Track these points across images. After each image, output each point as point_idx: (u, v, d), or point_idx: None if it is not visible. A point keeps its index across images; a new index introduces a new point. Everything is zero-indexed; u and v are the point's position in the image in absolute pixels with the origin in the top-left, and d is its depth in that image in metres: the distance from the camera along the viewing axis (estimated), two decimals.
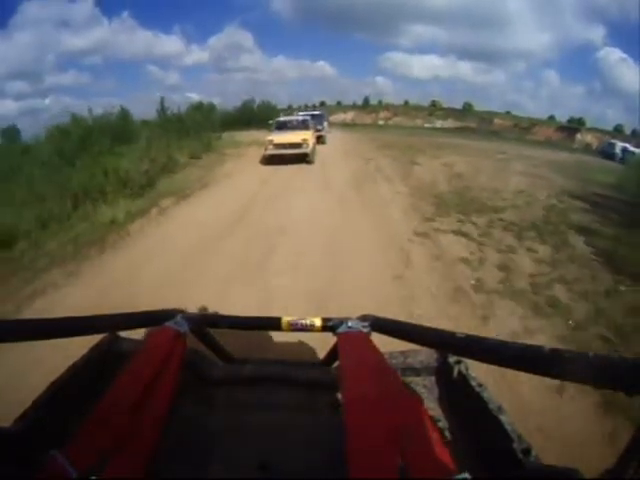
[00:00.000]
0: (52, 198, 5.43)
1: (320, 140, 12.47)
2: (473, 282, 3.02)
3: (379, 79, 39.73)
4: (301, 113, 15.21)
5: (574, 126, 36.65)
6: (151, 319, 0.67)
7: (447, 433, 0.57)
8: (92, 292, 3.04)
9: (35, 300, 2.98)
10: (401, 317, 1.29)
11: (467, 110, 42.37)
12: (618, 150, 18.85)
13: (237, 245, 3.92)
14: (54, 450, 0.38)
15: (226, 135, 15.53)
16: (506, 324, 2.44)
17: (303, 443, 0.58)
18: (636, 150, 17.29)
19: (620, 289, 3.03)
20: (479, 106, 34.92)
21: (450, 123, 41.94)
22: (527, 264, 3.44)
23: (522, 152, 14.02)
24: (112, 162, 6.50)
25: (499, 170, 8.70)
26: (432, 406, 0.63)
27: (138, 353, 0.57)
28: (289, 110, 23.89)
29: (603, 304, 2.74)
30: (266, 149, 9.44)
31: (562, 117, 37.88)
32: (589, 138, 34.08)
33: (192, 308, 2.12)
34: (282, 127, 10.69)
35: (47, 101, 30.74)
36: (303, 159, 9.06)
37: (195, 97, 29.61)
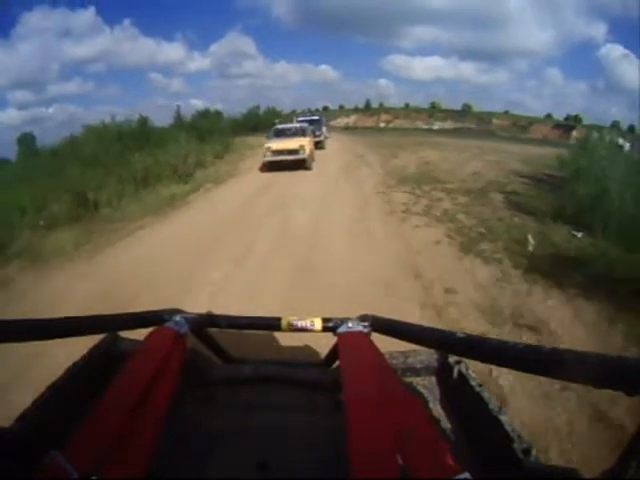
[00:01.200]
0: (122, 180, 7.87)
1: (319, 145, 13.24)
2: (403, 210, 5.38)
3: (382, 81, 41.01)
4: (300, 118, 15.89)
5: (570, 124, 38.62)
6: (151, 319, 0.68)
7: (447, 433, 0.59)
8: (172, 228, 5.43)
9: (134, 233, 5.32)
10: (360, 223, 3.62)
11: (466, 111, 44.51)
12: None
13: (265, 202, 6.38)
14: (54, 450, 0.39)
15: (237, 139, 17.89)
16: (414, 223, 4.77)
17: (303, 443, 0.59)
18: (625, 144, 19.02)
19: (507, 216, 5.19)
20: (482, 106, 36.18)
21: (450, 124, 43.75)
22: (446, 205, 5.73)
23: (501, 147, 16.09)
24: (163, 156, 8.96)
25: (466, 160, 10.96)
26: (432, 406, 0.65)
27: (138, 353, 0.59)
28: (293, 115, 25.25)
29: (491, 223, 4.90)
30: (264, 156, 10.13)
31: (565, 115, 39.09)
32: (584, 135, 35.85)
33: (239, 233, 4.29)
34: (280, 134, 11.26)
35: (51, 110, 31.43)
36: (301, 165, 9.71)
37: (199, 103, 31.14)
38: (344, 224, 4.75)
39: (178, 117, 19.95)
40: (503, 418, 0.55)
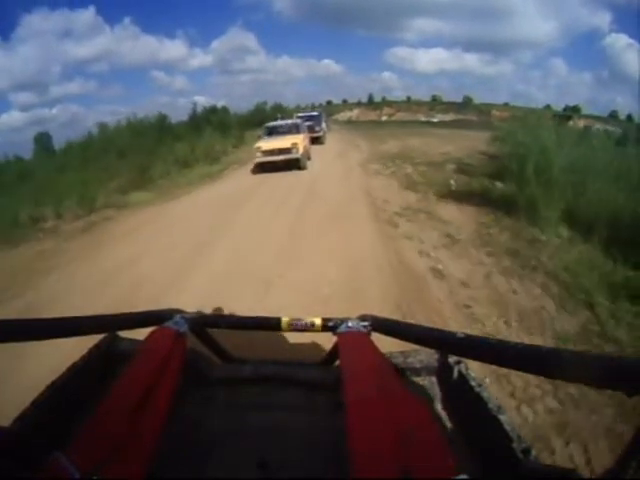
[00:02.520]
0: (167, 162, 10.53)
1: (318, 140, 13.68)
2: (374, 173, 8.02)
3: (386, 75, 41.20)
4: (300, 114, 15.99)
5: (567, 114, 40.48)
6: (151, 319, 0.70)
7: (447, 433, 0.60)
8: (215, 190, 8.06)
9: (187, 194, 7.96)
10: (344, 178, 6.87)
11: (467, 103, 46.46)
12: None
13: (280, 172, 8.99)
14: (56, 450, 0.40)
15: (247, 133, 20.31)
16: (379, 178, 7.36)
17: (303, 443, 0.61)
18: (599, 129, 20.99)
19: (449, 176, 7.60)
20: (487, 98, 36.45)
21: (451, 116, 45.59)
22: (407, 171, 8.23)
23: (486, 136, 18.35)
24: (198, 144, 11.65)
25: (444, 144, 13.36)
26: (432, 406, 0.67)
27: (138, 353, 0.61)
28: (297, 110, 25.50)
29: (434, 179, 7.31)
30: (255, 157, 9.79)
31: (564, 106, 39.97)
32: (581, 124, 37.74)
33: (265, 188, 7.15)
34: (272, 133, 10.91)
35: (54, 111, 32.11)
36: (295, 165, 9.33)
37: (202, 100, 31.28)
38: (334, 177, 7.75)
39: (194, 114, 22.61)
40: (503, 418, 0.56)
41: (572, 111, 40.30)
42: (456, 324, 2.47)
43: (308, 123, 13.13)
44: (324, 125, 15.96)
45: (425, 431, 0.45)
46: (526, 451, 0.51)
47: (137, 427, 0.47)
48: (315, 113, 16.88)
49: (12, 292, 3.73)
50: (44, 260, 4.74)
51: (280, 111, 25.01)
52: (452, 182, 6.61)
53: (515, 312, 2.67)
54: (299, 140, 9.74)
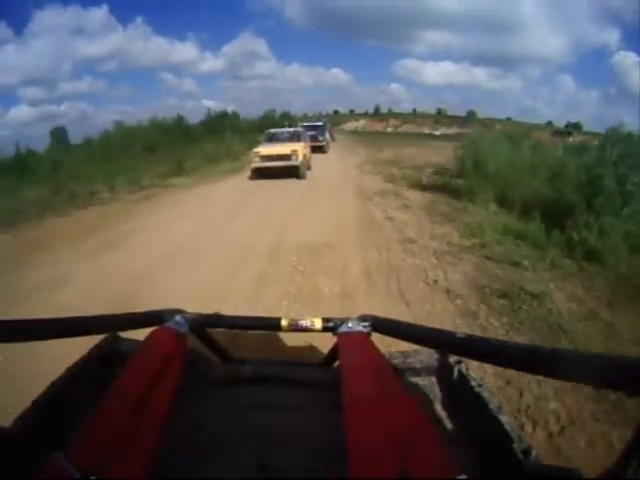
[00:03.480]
0: (195, 157, 12.84)
1: (321, 149, 14.46)
2: (366, 172, 10.35)
3: (393, 86, 40.71)
4: (305, 124, 16.57)
5: (568, 130, 42.70)
6: (151, 319, 0.71)
7: (447, 433, 0.61)
8: (239, 179, 10.33)
9: (218, 181, 10.28)
10: (342, 175, 9.56)
11: (470, 117, 48.74)
12: None
13: None
14: (56, 451, 0.41)
15: (258, 137, 22.67)
16: (369, 176, 9.67)
17: (303, 443, 0.62)
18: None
19: (425, 175, 9.80)
20: (493, 113, 35.72)
21: (454, 130, 47.63)
22: (392, 172, 10.47)
23: None
24: (220, 144, 14.01)
25: (433, 154, 15.58)
26: (432, 406, 0.68)
27: (138, 353, 0.62)
28: (305, 118, 26.99)
29: (411, 177, 9.52)
30: (252, 162, 9.95)
31: (566, 122, 40.81)
32: (580, 140, 39.74)
33: (280, 183, 9.50)
34: (272, 139, 11.17)
35: (63, 107, 32.50)
36: (293, 173, 9.40)
37: (211, 104, 32.01)
38: (334, 173, 10.21)
39: (209, 117, 25.01)
40: (503, 418, 0.57)
41: (574, 127, 42.48)
42: (393, 235, 4.73)
43: (312, 132, 14.04)
44: (327, 135, 16.85)
45: (425, 431, 0.46)
46: (526, 451, 0.51)
47: (137, 427, 0.48)
48: (319, 123, 17.80)
49: (113, 227, 5.89)
50: (118, 214, 6.86)
51: (288, 119, 26.44)
52: (424, 178, 8.82)
53: (427, 234, 4.85)
54: (299, 148, 9.78)
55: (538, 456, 0.51)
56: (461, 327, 2.66)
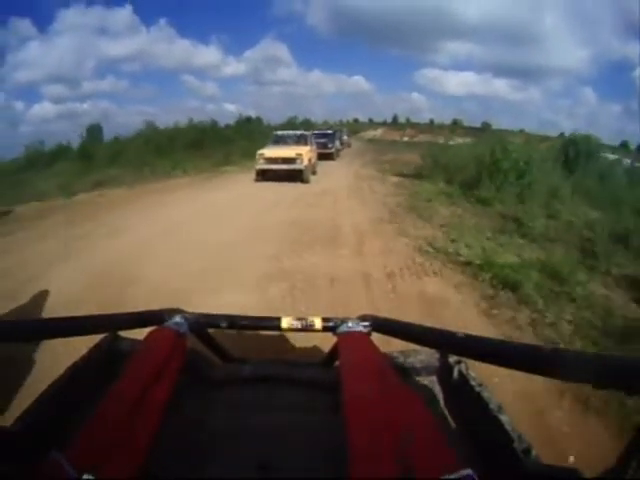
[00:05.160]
0: (233, 154, 17.06)
1: (330, 157, 15.93)
2: (365, 166, 14.53)
3: (414, 95, 41.16)
4: (316, 132, 17.23)
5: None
6: (151, 319, 0.73)
7: (447, 433, 0.61)
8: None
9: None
10: (346, 168, 14.66)
11: (485, 129, 51.65)
12: None
13: None
14: (54, 450, 0.42)
15: None
16: (366, 169, 13.85)
17: (303, 443, 0.64)
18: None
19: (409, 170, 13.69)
20: (511, 125, 35.16)
21: (468, 140, 50.41)
22: (386, 167, 14.48)
23: None
24: (253, 143, 18.21)
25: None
26: (432, 406, 0.70)
27: (138, 353, 0.64)
28: (324, 125, 28.79)
29: (400, 170, 13.48)
30: (257, 163, 10.23)
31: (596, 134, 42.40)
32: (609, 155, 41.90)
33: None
34: (278, 141, 11.50)
35: (85, 105, 32.76)
36: (298, 177, 9.76)
37: (232, 108, 33.23)
38: (341, 167, 14.51)
39: (240, 120, 28.91)
40: (503, 418, 0.59)
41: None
42: (369, 193, 8.90)
43: (321, 140, 15.77)
44: (337, 143, 18.43)
45: (425, 431, 0.47)
46: (527, 451, 0.53)
47: (136, 427, 0.49)
48: (330, 131, 19.19)
49: (198, 185, 10.04)
50: (198, 183, 11.06)
51: (309, 126, 27.95)
52: (404, 171, 12.74)
53: (389, 193, 9.01)
54: (304, 152, 10.09)
55: (538, 456, 0.53)
56: (382, 212, 6.65)
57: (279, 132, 12.92)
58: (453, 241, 5.18)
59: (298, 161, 9.91)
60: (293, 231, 5.65)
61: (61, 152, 17.53)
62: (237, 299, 3.35)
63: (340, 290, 3.66)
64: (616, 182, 10.37)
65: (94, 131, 21.44)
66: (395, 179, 11.23)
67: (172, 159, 15.23)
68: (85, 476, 0.40)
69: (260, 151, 10.51)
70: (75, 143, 18.70)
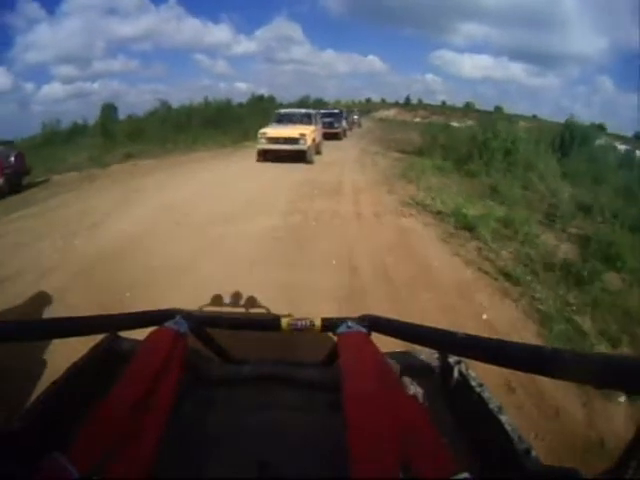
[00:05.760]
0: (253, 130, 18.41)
1: (336, 136, 16.09)
2: (371, 144, 15.87)
3: (429, 76, 40.41)
4: (322, 111, 17.09)
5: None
6: (151, 319, 0.74)
7: (447, 433, 0.62)
8: None
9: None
10: (354, 146, 16.60)
11: (497, 113, 51.55)
12: None
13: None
14: (55, 450, 0.42)
15: None
16: (373, 146, 15.28)
17: (303, 443, 0.65)
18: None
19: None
20: (526, 110, 34.85)
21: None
22: (391, 144, 15.71)
23: None
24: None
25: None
26: (432, 406, 0.70)
27: (138, 353, 0.65)
28: (337, 105, 28.21)
29: (401, 147, 14.80)
30: (258, 142, 9.86)
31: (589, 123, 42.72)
32: (602, 141, 42.51)
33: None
34: (281, 120, 11.09)
35: (96, 85, 32.14)
36: (301, 158, 9.42)
37: (243, 87, 32.35)
38: (351, 142, 16.03)
39: (253, 98, 29.94)
40: (504, 418, 0.59)
41: (599, 129, 44.99)
42: (371, 167, 10.38)
43: (328, 119, 16.01)
44: (344, 123, 18.70)
45: (425, 431, 0.48)
46: (527, 451, 0.53)
47: (137, 427, 0.50)
48: (336, 111, 19.47)
49: (223, 157, 11.53)
50: (219, 155, 12.52)
51: (321, 105, 27.47)
52: (408, 148, 13.99)
53: (389, 165, 10.44)
54: (308, 131, 9.76)
55: (538, 456, 0.53)
56: (379, 178, 8.09)
57: (282, 110, 12.46)
58: (432, 198, 6.61)
59: (301, 141, 9.61)
60: (305, 187, 7.28)
61: (78, 130, 18.68)
62: (268, 222, 5.01)
63: (339, 220, 5.27)
64: (604, 165, 11.56)
65: (108, 110, 22.11)
66: (397, 155, 12.56)
67: (191, 135, 16.63)
68: (86, 476, 0.41)
69: (262, 130, 10.14)
70: (89, 121, 19.59)
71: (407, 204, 6.30)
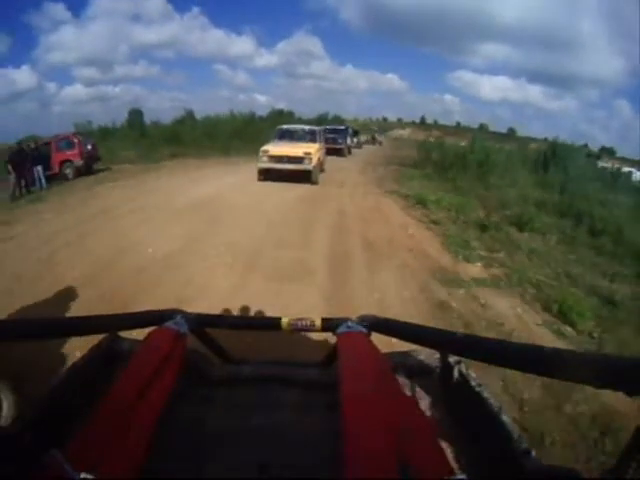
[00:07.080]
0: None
1: (339, 152, 16.35)
2: (374, 156, 19.31)
3: (447, 97, 42.65)
4: (328, 127, 17.45)
5: (598, 154, 47.37)
6: (151, 319, 0.76)
7: (447, 433, 0.64)
8: None
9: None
10: (366, 156, 21.30)
11: (510, 135, 54.44)
12: None
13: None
14: (54, 450, 0.43)
15: None
16: (374, 156, 18.68)
17: (303, 443, 0.66)
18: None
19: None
20: (543, 133, 35.32)
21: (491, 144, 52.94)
22: (394, 161, 18.84)
23: None
24: None
25: None
26: (432, 406, 0.72)
27: (138, 353, 0.66)
28: (354, 123, 31.03)
29: (400, 161, 17.91)
30: (259, 161, 9.22)
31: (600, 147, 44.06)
32: (608, 164, 44.44)
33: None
34: (284, 136, 10.49)
35: (117, 89, 34.77)
36: (306, 179, 8.89)
37: (262, 99, 34.52)
38: (360, 155, 19.42)
39: (272, 112, 33.05)
40: (503, 418, 0.60)
41: (607, 152, 47.14)
42: (371, 172, 13.77)
43: (332, 135, 16.65)
44: (349, 140, 19.41)
45: (424, 431, 0.49)
46: (526, 451, 0.54)
47: (136, 427, 0.51)
48: (342, 127, 20.20)
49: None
50: (252, 161, 15.62)
51: (339, 123, 28.47)
52: (407, 162, 17.08)
53: (384, 173, 13.56)
54: (313, 150, 9.22)
55: (538, 456, 0.54)
56: (373, 179, 11.28)
57: (285, 126, 11.75)
58: (407, 190, 9.75)
59: (306, 161, 9.07)
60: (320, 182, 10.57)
61: (109, 131, 21.38)
62: (297, 192, 8.40)
63: (336, 198, 8.60)
64: (582, 178, 14.29)
65: (135, 114, 24.00)
66: (395, 167, 15.72)
67: (220, 143, 19.66)
68: (84, 475, 0.41)
69: (264, 147, 9.53)
70: (113, 124, 22.18)
71: (388, 193, 9.51)
